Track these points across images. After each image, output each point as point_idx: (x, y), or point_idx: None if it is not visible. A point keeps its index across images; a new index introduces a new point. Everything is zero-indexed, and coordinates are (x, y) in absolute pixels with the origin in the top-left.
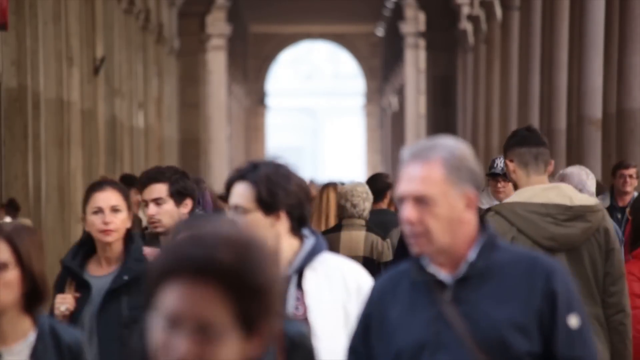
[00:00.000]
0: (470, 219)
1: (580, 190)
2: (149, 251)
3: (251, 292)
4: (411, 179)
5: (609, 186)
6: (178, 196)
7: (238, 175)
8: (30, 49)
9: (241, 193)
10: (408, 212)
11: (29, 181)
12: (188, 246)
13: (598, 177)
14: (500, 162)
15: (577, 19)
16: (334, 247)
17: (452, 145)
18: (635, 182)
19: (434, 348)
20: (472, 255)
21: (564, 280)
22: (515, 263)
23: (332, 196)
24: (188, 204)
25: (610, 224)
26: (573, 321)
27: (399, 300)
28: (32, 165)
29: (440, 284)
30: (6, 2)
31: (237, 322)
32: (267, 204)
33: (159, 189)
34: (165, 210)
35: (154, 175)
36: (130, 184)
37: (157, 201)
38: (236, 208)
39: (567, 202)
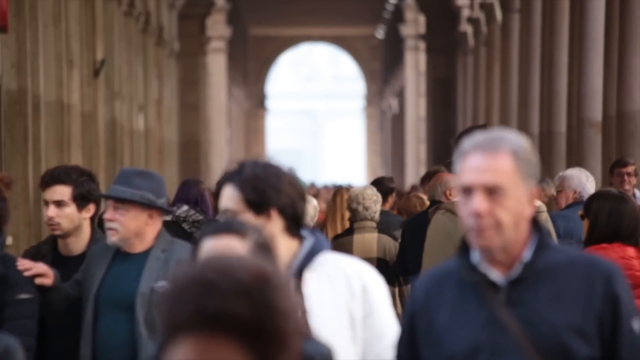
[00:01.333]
0: (530, 216)
1: (580, 193)
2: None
3: (270, 338)
4: (480, 169)
5: (607, 185)
6: (81, 200)
7: (225, 178)
8: (30, 51)
9: (229, 195)
10: (478, 203)
11: (29, 183)
12: (200, 297)
13: (598, 179)
14: None
15: (577, 21)
16: (348, 250)
17: (518, 138)
18: (634, 180)
19: (489, 353)
20: (527, 254)
21: (624, 283)
22: (571, 264)
23: (345, 198)
24: (91, 209)
25: (551, 225)
26: (636, 325)
27: (447, 303)
28: (32, 168)
29: (492, 285)
30: (6, 5)
31: None
32: (256, 204)
33: (62, 191)
34: (65, 213)
35: (58, 176)
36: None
37: (59, 203)
38: (225, 211)
39: None
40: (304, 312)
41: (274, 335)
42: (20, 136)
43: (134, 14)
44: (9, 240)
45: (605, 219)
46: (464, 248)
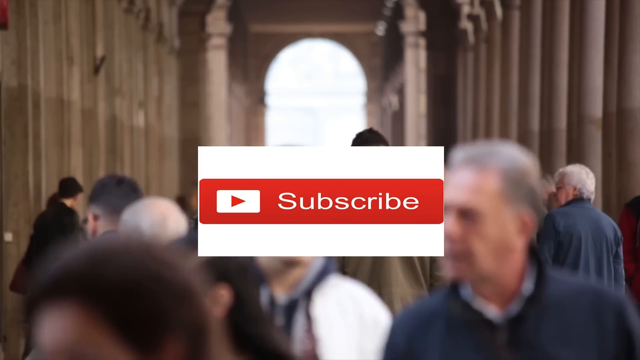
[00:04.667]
0: (521, 248)
1: (580, 189)
2: None
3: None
4: (460, 186)
5: (607, 182)
6: None
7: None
8: (31, 48)
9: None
10: (449, 226)
11: (29, 180)
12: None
13: (598, 176)
14: None
15: (578, 18)
16: None
17: (515, 155)
18: None
19: None
20: (527, 287)
21: (635, 315)
22: (576, 296)
23: None
24: None
25: None
26: None
27: (435, 346)
28: (32, 165)
29: (488, 324)
30: (6, 2)
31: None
32: None
33: None
34: None
35: None
36: (68, 191)
37: None
38: None
39: None
40: (313, 337)
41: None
42: (21, 133)
43: (134, 10)
44: (9, 237)
45: None
46: (454, 282)
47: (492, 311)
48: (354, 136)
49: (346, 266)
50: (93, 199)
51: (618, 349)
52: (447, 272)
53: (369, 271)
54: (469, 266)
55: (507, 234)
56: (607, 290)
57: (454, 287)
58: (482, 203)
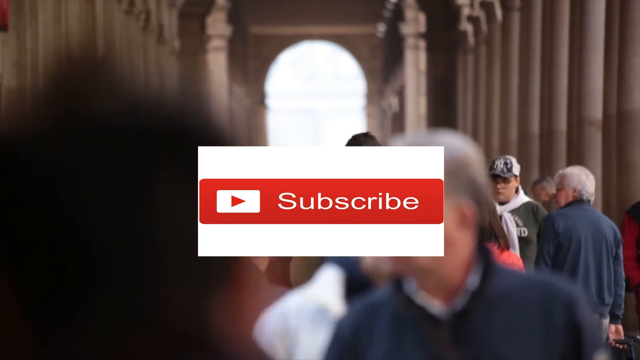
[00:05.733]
0: (463, 240)
1: (580, 191)
2: None
3: None
4: None
5: (607, 184)
6: None
7: None
8: (31, 50)
9: None
10: None
11: None
12: None
13: (598, 178)
14: (500, 163)
15: (578, 20)
16: None
17: (454, 144)
18: None
19: None
20: (472, 281)
21: (586, 309)
22: (525, 290)
23: None
24: None
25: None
26: (601, 358)
27: (379, 340)
28: None
29: (433, 319)
30: (6, 4)
31: None
32: None
33: None
34: None
35: None
36: None
37: None
38: None
39: None
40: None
41: None
42: None
43: (134, 12)
44: None
45: None
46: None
47: (436, 306)
48: (349, 138)
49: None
50: None
51: (566, 344)
52: (386, 266)
53: None
54: (405, 260)
55: (451, 228)
56: (557, 283)
57: (398, 282)
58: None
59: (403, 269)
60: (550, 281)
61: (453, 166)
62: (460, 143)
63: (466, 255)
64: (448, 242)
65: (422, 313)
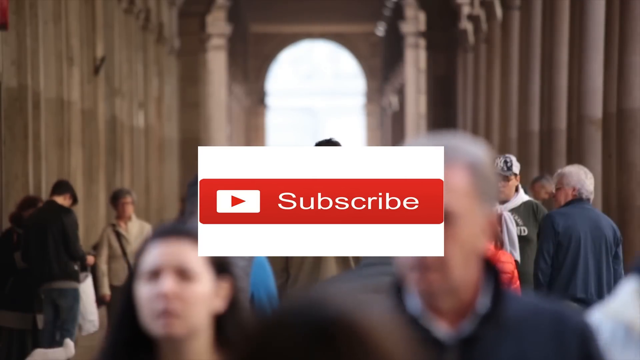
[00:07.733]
0: (484, 252)
1: (579, 190)
2: None
3: None
4: None
5: (607, 183)
6: None
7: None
8: (31, 48)
9: None
10: None
11: (29, 181)
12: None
13: (598, 176)
14: (500, 162)
15: (578, 19)
16: None
17: (477, 148)
18: None
19: None
20: (482, 304)
21: (597, 340)
22: (536, 317)
23: None
24: None
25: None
26: None
27: None
28: (32, 165)
29: (437, 343)
30: (6, 2)
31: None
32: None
33: None
34: None
35: None
36: (60, 189)
37: None
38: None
39: None
40: None
41: None
42: (21, 133)
43: (134, 11)
44: None
45: None
46: (399, 292)
47: (442, 329)
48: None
49: (290, 267)
50: (188, 198)
51: None
52: (412, 284)
53: (310, 271)
54: (443, 277)
55: (476, 237)
56: (568, 312)
57: (400, 300)
58: (455, 202)
59: (437, 287)
60: (562, 310)
61: (484, 170)
62: (480, 146)
63: (478, 273)
64: (474, 253)
65: (427, 336)
